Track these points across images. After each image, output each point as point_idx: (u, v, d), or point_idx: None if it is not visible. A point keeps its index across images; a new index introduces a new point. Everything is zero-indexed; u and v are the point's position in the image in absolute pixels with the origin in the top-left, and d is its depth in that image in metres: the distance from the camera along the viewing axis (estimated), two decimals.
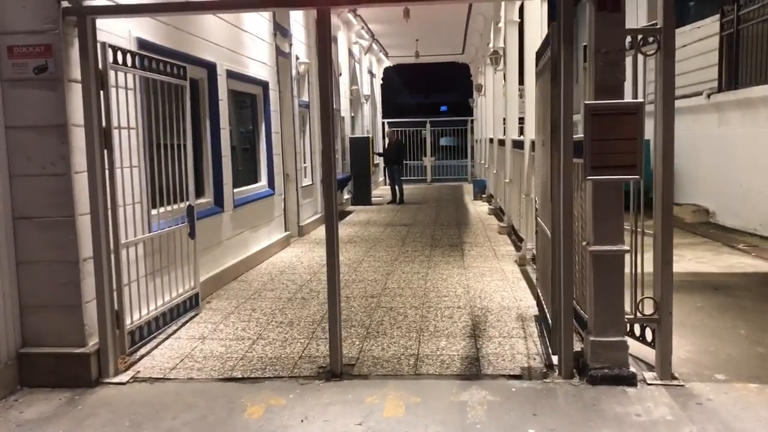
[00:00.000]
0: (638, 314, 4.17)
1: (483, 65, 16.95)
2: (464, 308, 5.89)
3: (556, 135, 4.15)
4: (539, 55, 5.17)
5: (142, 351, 4.93)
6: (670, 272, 4.04)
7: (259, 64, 8.78)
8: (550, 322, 4.56)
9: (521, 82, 9.99)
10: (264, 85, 9.04)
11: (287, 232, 9.82)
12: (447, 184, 22.76)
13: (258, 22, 8.79)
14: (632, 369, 4.10)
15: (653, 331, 4.24)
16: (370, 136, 17.45)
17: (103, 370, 4.43)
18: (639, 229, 4.18)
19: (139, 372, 4.54)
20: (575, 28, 4.40)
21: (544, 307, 4.99)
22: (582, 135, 3.98)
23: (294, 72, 10.71)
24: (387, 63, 23.99)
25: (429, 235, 10.44)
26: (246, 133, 8.97)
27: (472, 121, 24.32)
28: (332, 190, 4.38)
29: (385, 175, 23.09)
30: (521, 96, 9.70)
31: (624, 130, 3.88)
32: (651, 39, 3.98)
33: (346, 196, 15.24)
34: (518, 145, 9.33)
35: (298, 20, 11.17)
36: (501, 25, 12.51)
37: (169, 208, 5.50)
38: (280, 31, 9.85)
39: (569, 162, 4.07)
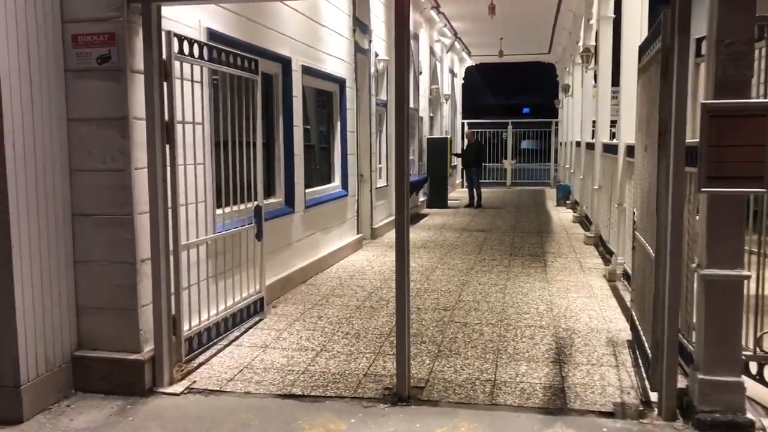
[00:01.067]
0: (758, 351, 3.55)
1: (571, 65, 16.16)
2: (547, 328, 5.36)
3: (665, 139, 3.59)
4: (643, 49, 4.59)
5: (201, 358, 4.67)
6: None
7: (336, 60, 8.48)
8: (648, 352, 3.99)
9: (615, 83, 9.30)
10: (341, 83, 8.74)
11: (359, 235, 9.50)
12: (528, 188, 21.96)
13: (336, 17, 8.50)
14: (749, 415, 3.49)
15: (759, 365, 3.62)
16: (449, 136, 16.97)
17: (158, 379, 4.19)
18: (763, 251, 3.57)
19: (195, 382, 4.27)
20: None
21: (640, 332, 4.41)
22: (697, 140, 3.42)
23: (372, 69, 10.38)
24: (469, 62, 23.43)
25: (508, 243, 9.88)
26: (321, 131, 8.70)
27: (556, 123, 23.39)
28: (404, 191, 3.98)
29: (462, 178, 22.55)
30: (615, 97, 9.02)
31: (748, 135, 3.29)
32: None
33: (422, 198, 14.82)
34: (610, 149, 8.65)
35: (378, 15, 10.83)
36: (593, 21, 11.80)
37: (235, 208, 5.24)
38: (360, 26, 9.53)
39: (680, 171, 3.50)
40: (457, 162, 21.63)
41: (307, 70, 7.36)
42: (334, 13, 8.39)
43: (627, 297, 6.32)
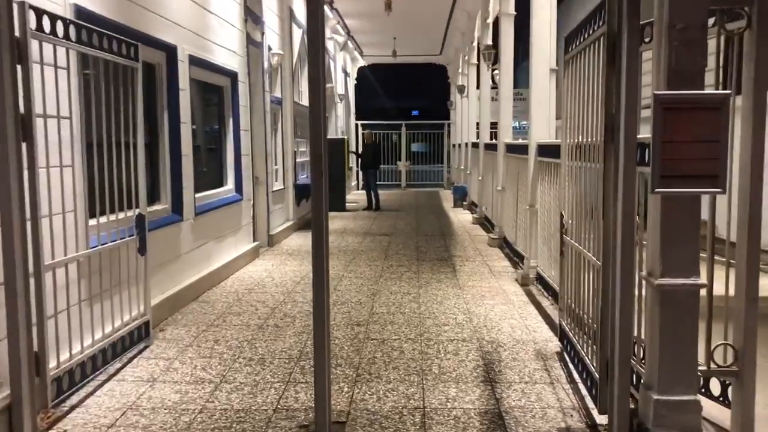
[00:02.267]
0: (712, 365, 3.28)
1: (465, 66, 16.13)
2: (470, 341, 4.95)
3: (614, 135, 3.24)
4: (571, 39, 4.27)
5: (74, 400, 3.88)
6: (755, 312, 3.15)
7: (227, 52, 7.74)
8: (591, 369, 3.65)
9: (517, 83, 9.16)
10: (233, 77, 8.00)
11: (256, 242, 8.78)
12: (423, 190, 21.88)
13: (226, 4, 7.76)
14: None
15: (722, 384, 3.36)
16: (346, 137, 16.46)
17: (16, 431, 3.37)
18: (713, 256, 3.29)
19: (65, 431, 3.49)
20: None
21: (576, 345, 4.08)
22: (648, 136, 3.08)
23: (266, 64, 9.68)
24: (362, 62, 23.07)
25: (413, 247, 9.49)
26: (211, 130, 7.92)
27: (448, 125, 23.50)
28: (322, 192, 3.41)
29: (358, 180, 22.14)
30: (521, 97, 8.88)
31: (704, 130, 2.98)
32: (739, 14, 3.10)
33: None
34: (515, 149, 8.46)
35: (271, 8, 10.14)
36: (490, 20, 11.70)
37: (113, 217, 4.45)
38: (252, 17, 8.82)
39: (631, 170, 3.15)
40: (353, 163, 21.19)
41: (195, 61, 6.60)
42: (223, 0, 7.64)
43: (545, 303, 6.06)
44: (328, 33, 16.19)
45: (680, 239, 3.10)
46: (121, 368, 4.43)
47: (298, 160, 12.08)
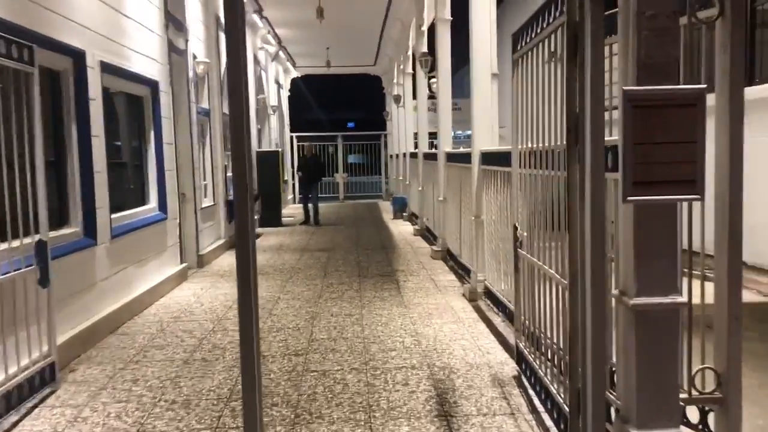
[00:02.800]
0: (693, 392, 2.95)
1: (401, 75, 15.85)
2: (420, 368, 4.52)
3: (578, 138, 2.89)
4: (520, 35, 3.93)
5: None
6: (739, 331, 2.84)
7: (146, 59, 7.13)
8: (556, 397, 3.28)
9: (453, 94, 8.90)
10: (153, 86, 7.38)
11: (184, 264, 8.13)
12: (361, 202, 21.47)
13: (144, 8, 7.15)
14: None
15: (702, 411, 3.05)
16: (280, 150, 15.88)
17: None
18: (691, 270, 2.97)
19: None
20: None
21: (537, 370, 3.71)
22: (616, 138, 2.74)
23: (191, 73, 9.07)
24: (294, 73, 22.55)
25: (354, 263, 9.03)
26: (131, 144, 7.27)
27: (385, 135, 23.21)
28: (247, 207, 2.92)
29: (294, 193, 21.55)
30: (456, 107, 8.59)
31: (679, 130, 2.65)
32: (710, 1, 2.80)
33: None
34: (457, 158, 8.14)
35: (195, 14, 9.55)
36: (425, 27, 11.44)
37: (5, 246, 3.83)
38: (174, 23, 8.22)
39: (600, 177, 2.80)
40: (288, 177, 20.60)
41: (108, 68, 5.98)
42: (140, 3, 7.04)
43: (496, 319, 5.70)
44: (258, 43, 15.64)
45: (657, 253, 2.75)
46: (18, 421, 3.79)
47: (229, 174, 11.45)
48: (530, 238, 3.86)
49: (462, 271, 7.72)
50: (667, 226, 2.77)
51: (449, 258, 8.72)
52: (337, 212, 17.70)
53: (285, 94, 21.74)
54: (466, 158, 7.18)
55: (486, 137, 6.43)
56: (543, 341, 3.65)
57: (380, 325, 5.64)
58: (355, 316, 6.00)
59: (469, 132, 21.96)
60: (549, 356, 3.55)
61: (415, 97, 14.40)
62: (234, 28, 2.85)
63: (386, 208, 18.35)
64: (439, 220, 9.49)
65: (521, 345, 4.16)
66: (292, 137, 22.20)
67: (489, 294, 6.28)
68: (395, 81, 17.20)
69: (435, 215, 10.17)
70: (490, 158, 6.03)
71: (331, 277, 8.02)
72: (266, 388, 4.20)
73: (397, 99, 15.83)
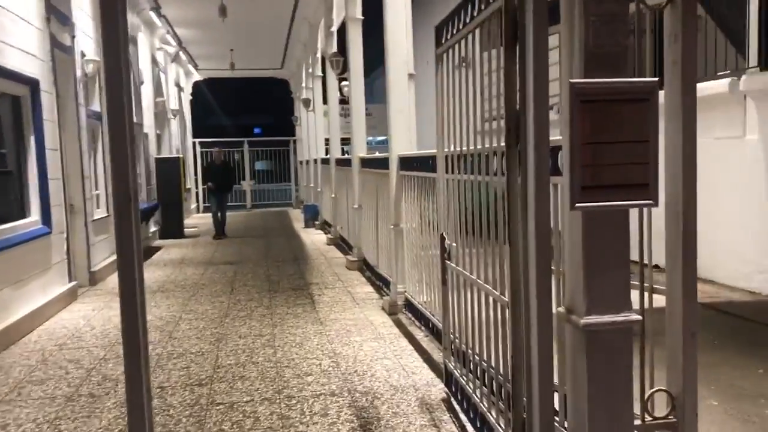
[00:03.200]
0: (647, 417, 2.68)
1: (309, 79, 15.38)
2: (341, 394, 4.09)
3: (518, 138, 2.56)
4: (443, 27, 3.60)
5: None
6: (694, 350, 2.60)
7: (21, 54, 6.34)
8: (496, 427, 2.94)
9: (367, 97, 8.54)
10: (32, 84, 6.59)
11: (73, 283, 7.32)
12: (270, 210, 20.79)
13: None
14: None
15: None
16: (181, 156, 15.02)
17: None
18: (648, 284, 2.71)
19: None
20: None
21: (470, 394, 3.37)
22: (562, 137, 2.44)
23: (79, 72, 8.26)
24: (197, 76, 21.59)
25: (264, 276, 8.48)
26: (6, 150, 6.45)
27: (294, 141, 22.62)
28: (131, 218, 2.43)
29: (198, 202, 20.57)
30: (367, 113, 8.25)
31: (631, 128, 2.38)
32: None
33: (153, 228, 12.73)
34: (372, 164, 7.78)
35: (84, 8, 8.73)
36: (334, 28, 11.06)
37: None
38: (57, 16, 7.42)
39: (544, 182, 2.48)
40: (192, 185, 19.64)
41: None
42: None
43: (418, 334, 5.36)
44: (156, 43, 14.74)
45: (608, 265, 2.46)
46: None
47: None
48: (461, 249, 3.52)
49: (380, 282, 7.35)
50: (619, 235, 2.49)
51: (366, 268, 8.34)
52: (244, 222, 16.98)
53: (187, 97, 20.76)
54: (383, 163, 6.83)
55: (404, 141, 6.10)
56: (477, 363, 3.31)
57: (294, 346, 5.17)
58: (266, 336, 5.50)
59: (381, 138, 21.74)
60: (485, 380, 3.21)
61: (325, 101, 13.97)
62: (111, 9, 2.36)
63: (297, 216, 17.80)
64: (354, 229, 9.10)
65: (450, 365, 3.82)
66: (195, 143, 21.23)
67: (410, 306, 5.94)
68: (304, 85, 16.70)
69: (350, 224, 9.78)
70: (409, 163, 5.69)
71: (238, 293, 7.45)
72: (164, 427, 3.65)
73: (306, 103, 15.35)
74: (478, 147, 3.06)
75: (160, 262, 10.09)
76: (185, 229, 14.04)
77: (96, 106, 9.11)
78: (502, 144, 2.71)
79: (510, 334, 2.68)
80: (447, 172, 3.76)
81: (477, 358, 3.28)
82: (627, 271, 2.51)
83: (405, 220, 6.01)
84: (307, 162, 17.60)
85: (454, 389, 3.78)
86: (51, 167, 6.91)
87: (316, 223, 14.39)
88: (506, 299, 2.73)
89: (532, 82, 2.45)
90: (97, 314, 6.57)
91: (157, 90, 14.56)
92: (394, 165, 6.10)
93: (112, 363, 4.93)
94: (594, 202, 2.39)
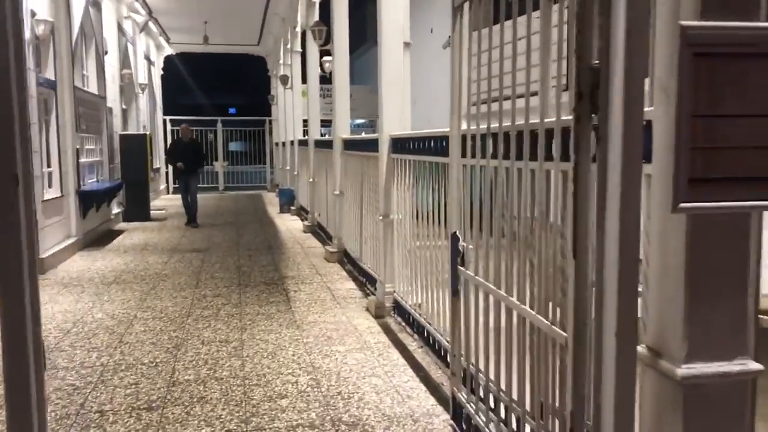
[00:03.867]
0: None
1: (288, 55, 14.46)
2: (322, 427, 3.32)
3: (597, 104, 1.80)
4: None
5: None
6: None
7: None
8: None
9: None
10: None
11: None
12: (243, 193, 19.86)
13: None
14: None
15: None
16: (148, 132, 14.04)
17: None
18: None
19: None
20: None
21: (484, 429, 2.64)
22: (654, 107, 1.72)
23: (28, 34, 7.31)
24: (169, 50, 20.48)
25: (234, 267, 7.66)
26: None
27: (270, 121, 21.67)
28: (19, 207, 1.71)
29: (168, 182, 19.56)
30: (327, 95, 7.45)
31: (764, 95, 1.65)
32: None
33: (116, 210, 11.80)
34: (354, 146, 6.99)
35: None
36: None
37: None
38: None
39: (634, 168, 1.73)
40: (161, 164, 18.63)
41: None
42: None
43: (411, 344, 4.62)
44: (124, 11, 13.69)
45: (720, 292, 1.74)
46: None
47: (82, 160, 9.67)
48: (482, 254, 2.77)
49: (363, 278, 6.60)
50: (738, 248, 1.76)
51: (347, 261, 7.57)
52: (216, 205, 16.06)
53: (158, 72, 19.66)
54: (370, 145, 6.05)
55: (396, 120, 5.32)
56: (508, 405, 2.57)
57: (266, 356, 4.39)
58: (233, 343, 4.71)
59: (360, 121, 20.77)
60: (517, 428, 2.48)
61: (304, 80, 13.09)
62: None
63: (272, 200, 16.92)
64: (334, 217, 8.31)
65: (461, 396, 3.08)
66: (165, 120, 20.16)
67: (400, 309, 5.20)
68: (282, 61, 15.76)
69: (329, 211, 8.99)
70: (403, 145, 4.92)
71: (204, 286, 6.63)
72: None
73: (284, 80, 14.44)
74: (523, 122, 2.30)
75: (120, 247, 9.20)
76: (152, 212, 13.12)
77: (49, 73, 8.16)
78: (566, 116, 1.96)
79: (570, 382, 1.94)
80: (465, 155, 2.99)
81: (505, 397, 2.54)
82: (744, 299, 1.78)
83: (396, 210, 5.25)
84: (284, 144, 16.72)
85: (465, 427, 3.04)
86: None
87: (292, 208, 13.56)
88: (565, 335, 1.99)
89: (622, 21, 1.69)
90: (42, 309, 5.71)
91: (124, 62, 13.54)
92: (384, 147, 5.32)
93: (48, 374, 4.11)
94: (706, 201, 1.66)
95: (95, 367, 4.18)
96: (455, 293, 3.07)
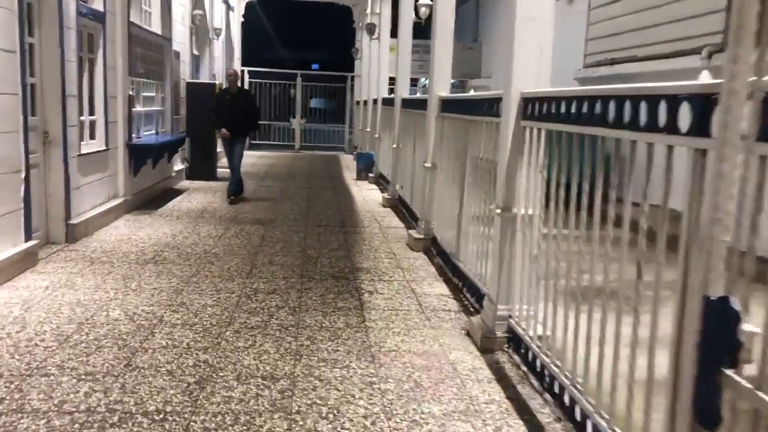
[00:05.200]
0: None
1: (378, 3, 12.82)
2: None
3: None
4: None
5: None
6: None
7: None
8: None
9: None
10: None
11: (30, 243, 5.25)
12: (320, 153, 18.59)
13: None
14: None
15: None
16: (220, 83, 12.81)
17: None
18: None
19: None
20: None
21: None
22: None
23: None
24: None
25: (298, 249, 6.28)
26: None
27: (353, 77, 20.16)
28: None
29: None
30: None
31: None
32: None
33: (179, 166, 10.67)
34: (459, 107, 5.38)
35: None
36: None
37: None
38: None
39: None
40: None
41: None
42: None
43: (540, 409, 3.07)
44: None
45: None
46: None
47: (137, 108, 8.48)
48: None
49: (459, 281, 5.07)
50: None
51: (435, 252, 6.05)
52: (290, 165, 14.80)
53: (237, 18, 18.40)
54: (481, 107, 4.45)
55: (532, 71, 3.68)
56: None
57: (324, 417, 2.94)
58: (281, 381, 3.28)
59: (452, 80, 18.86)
60: None
61: (393, 34, 11.48)
62: None
63: (348, 163, 15.54)
64: (422, 195, 6.77)
65: None
66: (243, 71, 18.97)
67: (517, 342, 3.65)
68: (369, 10, 14.13)
69: (415, 185, 7.45)
70: (542, 108, 3.29)
71: (259, 275, 5.27)
72: None
73: (371, 29, 12.84)
74: None
75: (173, 212, 7.99)
76: (219, 169, 11.96)
77: (96, 4, 6.89)
78: None
79: None
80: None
81: None
82: None
83: (524, 201, 3.65)
84: (365, 102, 15.20)
85: None
86: (2, 77, 4.76)
87: (370, 175, 12.10)
88: None
89: None
90: (48, 296, 4.49)
91: (197, 2, 12.26)
92: (511, 110, 3.70)
93: (35, 393, 2.83)
94: None
95: (75, 416, 2.84)
96: (709, 422, 1.49)
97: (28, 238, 5.21)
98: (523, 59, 3.68)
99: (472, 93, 5.89)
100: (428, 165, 6.34)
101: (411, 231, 6.76)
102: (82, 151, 6.44)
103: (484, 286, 4.24)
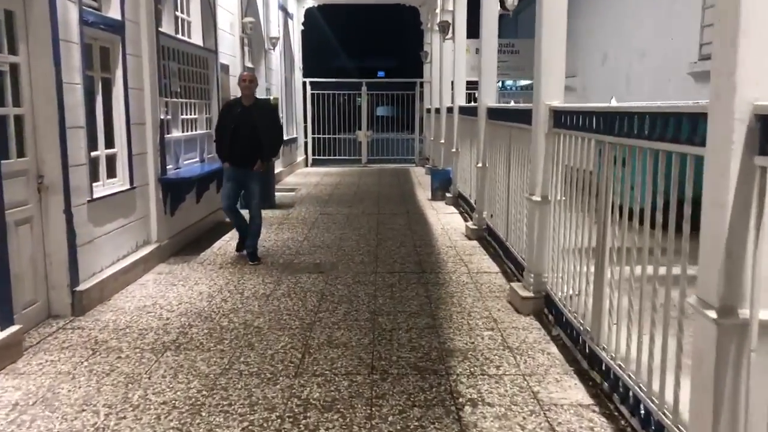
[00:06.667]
0: None
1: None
2: None
3: None
4: None
5: None
6: None
7: None
8: None
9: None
10: None
11: (10, 330, 3.92)
12: (388, 167, 17.14)
13: None
14: None
15: None
16: (274, 97, 11.48)
17: None
18: None
19: None
20: None
21: None
22: None
23: None
24: (310, 2, 17.89)
25: (366, 316, 4.75)
26: None
27: (422, 83, 18.62)
28: None
29: (306, 155, 17.22)
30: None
31: None
32: None
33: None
34: (568, 120, 3.74)
35: None
36: None
37: None
38: None
39: None
40: (298, 134, 16.30)
41: None
42: None
43: None
44: None
45: None
46: None
47: (176, 134, 7.22)
48: None
49: (604, 378, 3.43)
50: None
51: (554, 318, 4.41)
52: (357, 182, 13.38)
53: (296, 27, 17.19)
54: (591, 121, 2.82)
55: None
56: None
57: None
58: None
59: (525, 82, 16.89)
60: None
61: (470, 34, 9.90)
62: None
63: (420, 178, 14.02)
64: (529, 235, 5.14)
65: None
66: (305, 83, 17.75)
67: None
68: (440, 8, 12.56)
69: (514, 219, 5.82)
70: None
71: (312, 371, 3.77)
72: None
73: (444, 27, 11.25)
74: None
75: (217, 257, 6.64)
76: (279, 194, 10.69)
77: (113, 12, 5.61)
78: None
79: None
80: None
81: None
82: None
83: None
84: (437, 110, 13.63)
85: None
86: None
87: (447, 195, 10.50)
88: None
89: None
90: (10, 424, 3.13)
91: (249, 7, 11.00)
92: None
93: None
94: None
95: None
96: None
97: (6, 324, 3.90)
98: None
99: (613, 101, 4.20)
100: (536, 199, 4.72)
101: (514, 284, 5.12)
102: (96, 195, 5.14)
103: (638, 382, 2.58)
